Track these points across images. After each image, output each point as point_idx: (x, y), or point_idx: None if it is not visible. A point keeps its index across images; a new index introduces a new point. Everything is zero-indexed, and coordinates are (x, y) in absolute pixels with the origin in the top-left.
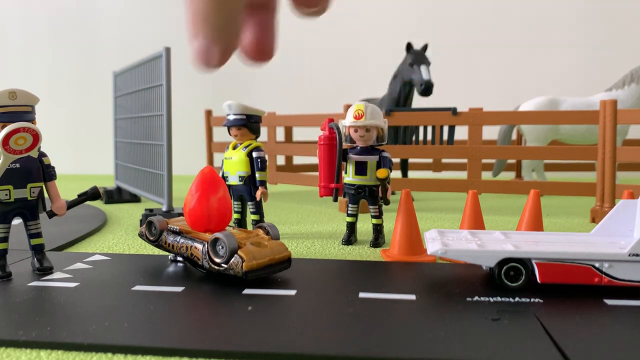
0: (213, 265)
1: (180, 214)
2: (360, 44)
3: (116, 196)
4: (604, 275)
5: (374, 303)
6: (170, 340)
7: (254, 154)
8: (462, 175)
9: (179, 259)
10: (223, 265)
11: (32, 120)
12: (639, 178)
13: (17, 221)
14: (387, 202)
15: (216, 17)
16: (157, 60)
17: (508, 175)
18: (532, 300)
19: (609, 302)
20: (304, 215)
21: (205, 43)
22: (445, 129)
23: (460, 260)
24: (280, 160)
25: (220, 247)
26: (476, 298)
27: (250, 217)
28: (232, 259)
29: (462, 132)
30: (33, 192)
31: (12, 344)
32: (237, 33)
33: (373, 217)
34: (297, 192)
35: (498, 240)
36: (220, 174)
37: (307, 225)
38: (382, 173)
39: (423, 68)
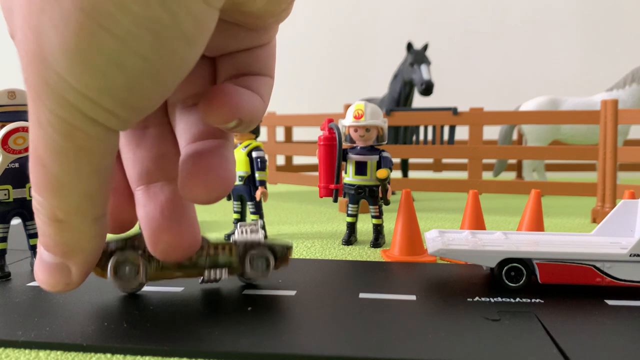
0: None
1: None
2: (360, 43)
3: None
4: (605, 276)
5: (374, 303)
6: (170, 341)
7: (254, 154)
8: (463, 175)
9: None
10: None
11: None
12: None
13: (16, 221)
14: (387, 202)
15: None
16: None
17: (509, 176)
18: (533, 300)
19: (610, 302)
20: (304, 215)
21: (62, 264)
22: (446, 129)
23: (460, 260)
24: (280, 160)
25: None
26: (477, 298)
27: (250, 217)
28: None
29: (462, 132)
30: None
31: (10, 345)
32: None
33: (373, 217)
34: (297, 192)
35: (499, 241)
36: None
37: (307, 225)
38: (382, 173)
39: (423, 68)
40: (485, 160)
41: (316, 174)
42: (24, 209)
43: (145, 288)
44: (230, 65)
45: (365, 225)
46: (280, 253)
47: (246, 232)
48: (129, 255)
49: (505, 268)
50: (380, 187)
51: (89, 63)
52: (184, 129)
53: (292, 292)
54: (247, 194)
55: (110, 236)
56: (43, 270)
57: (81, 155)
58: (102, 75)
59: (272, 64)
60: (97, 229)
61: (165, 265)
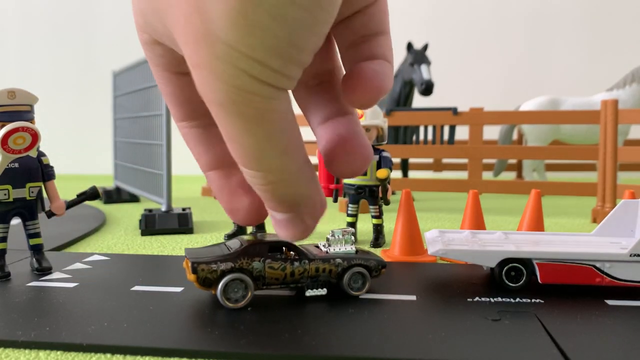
0: None
1: (179, 214)
2: None
3: (115, 196)
4: (605, 276)
5: (374, 303)
6: (170, 341)
7: None
8: (463, 175)
9: None
10: None
11: (31, 120)
12: None
13: (16, 221)
14: (387, 202)
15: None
16: None
17: (509, 176)
18: (533, 300)
19: (610, 302)
20: None
21: (292, 216)
22: (446, 129)
23: (461, 260)
24: None
25: None
26: (477, 298)
27: None
28: None
29: (462, 132)
30: (32, 192)
31: (11, 344)
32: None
33: (373, 217)
34: None
35: (499, 241)
36: None
37: None
38: (382, 173)
39: (423, 68)
40: (485, 160)
41: (316, 174)
42: (23, 208)
43: (145, 288)
44: (347, 32)
45: (365, 225)
46: (374, 269)
47: (340, 243)
48: (238, 276)
49: (506, 268)
50: (380, 187)
51: (251, 20)
52: (313, 111)
53: (292, 293)
54: None
55: (218, 256)
56: (280, 227)
57: (263, 117)
58: (265, 32)
59: (387, 19)
60: (306, 174)
61: (269, 282)
